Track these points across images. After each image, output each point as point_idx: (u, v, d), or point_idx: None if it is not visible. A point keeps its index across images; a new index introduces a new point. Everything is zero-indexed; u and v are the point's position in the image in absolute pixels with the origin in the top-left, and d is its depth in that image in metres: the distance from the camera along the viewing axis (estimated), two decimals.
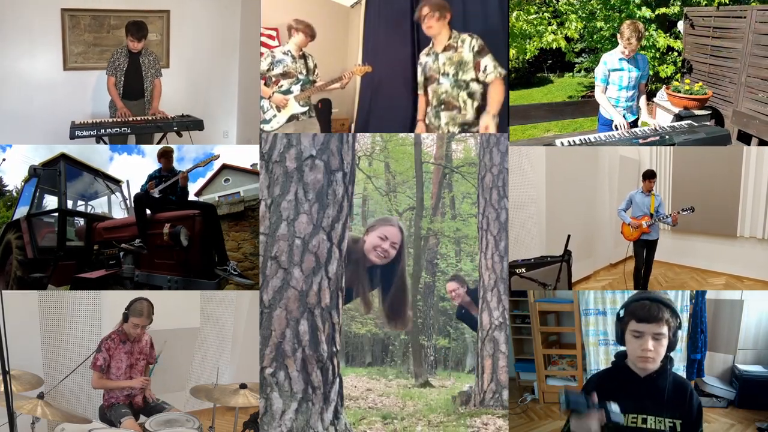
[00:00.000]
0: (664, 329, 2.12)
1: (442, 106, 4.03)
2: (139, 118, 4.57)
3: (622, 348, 2.27)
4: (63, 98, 4.88)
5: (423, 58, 4.12)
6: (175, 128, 4.53)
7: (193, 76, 5.20)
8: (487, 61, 3.87)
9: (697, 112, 4.66)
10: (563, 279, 4.71)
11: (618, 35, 4.17)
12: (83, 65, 4.87)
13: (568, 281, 4.78)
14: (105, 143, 4.50)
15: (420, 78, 4.17)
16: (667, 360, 2.20)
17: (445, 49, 3.96)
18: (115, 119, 4.55)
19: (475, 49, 3.88)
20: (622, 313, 2.23)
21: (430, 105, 4.12)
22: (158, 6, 5.04)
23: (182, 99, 5.07)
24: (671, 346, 2.18)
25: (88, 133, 4.31)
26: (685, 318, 4.34)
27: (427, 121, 4.14)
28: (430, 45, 4.07)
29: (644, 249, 4.86)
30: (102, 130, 4.35)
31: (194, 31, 5.17)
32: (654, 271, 5.01)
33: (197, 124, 4.57)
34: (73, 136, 4.29)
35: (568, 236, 4.67)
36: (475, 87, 3.95)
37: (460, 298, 4.66)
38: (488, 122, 3.84)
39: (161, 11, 5.05)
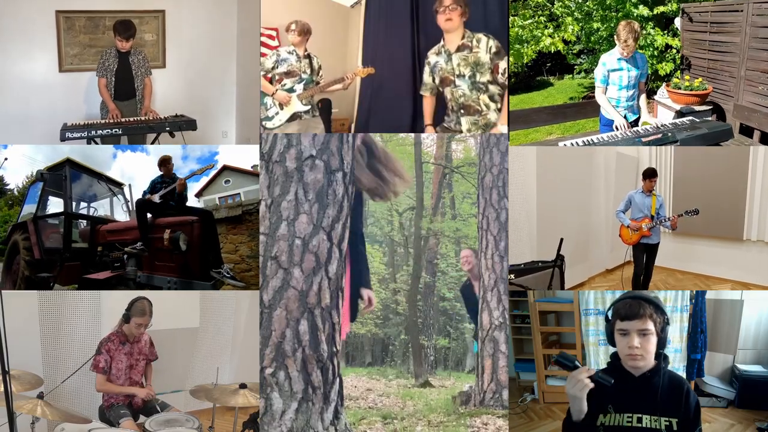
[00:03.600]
0: (649, 325, 2.16)
1: (462, 111, 3.89)
2: (130, 119, 4.55)
3: (614, 349, 2.30)
4: (59, 100, 4.88)
5: (433, 57, 3.98)
6: (168, 129, 4.49)
7: (190, 76, 5.18)
8: (505, 64, 3.74)
9: (698, 108, 4.62)
10: (555, 285, 4.61)
11: (615, 37, 4.17)
12: (79, 67, 4.87)
13: (561, 288, 4.68)
14: (96, 143, 4.52)
15: (428, 78, 4.05)
16: (661, 358, 2.22)
17: (458, 49, 3.82)
18: (106, 120, 4.55)
19: (493, 50, 3.74)
20: (609, 314, 2.27)
21: (452, 110, 3.96)
22: (153, 6, 5.03)
23: (179, 99, 5.05)
24: (661, 344, 2.21)
25: (78, 134, 4.31)
26: (685, 318, 4.33)
27: (448, 127, 4.01)
28: (441, 43, 3.94)
29: (644, 253, 4.68)
30: (93, 132, 4.35)
31: (190, 30, 5.14)
32: (654, 277, 4.82)
33: (190, 124, 4.52)
34: (63, 138, 4.29)
35: (561, 240, 4.55)
36: (494, 89, 3.82)
37: (470, 266, 4.66)
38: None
39: (156, 11, 5.03)
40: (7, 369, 2.46)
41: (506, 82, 3.83)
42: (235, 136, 5.16)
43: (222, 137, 5.07)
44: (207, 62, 5.18)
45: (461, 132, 3.96)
